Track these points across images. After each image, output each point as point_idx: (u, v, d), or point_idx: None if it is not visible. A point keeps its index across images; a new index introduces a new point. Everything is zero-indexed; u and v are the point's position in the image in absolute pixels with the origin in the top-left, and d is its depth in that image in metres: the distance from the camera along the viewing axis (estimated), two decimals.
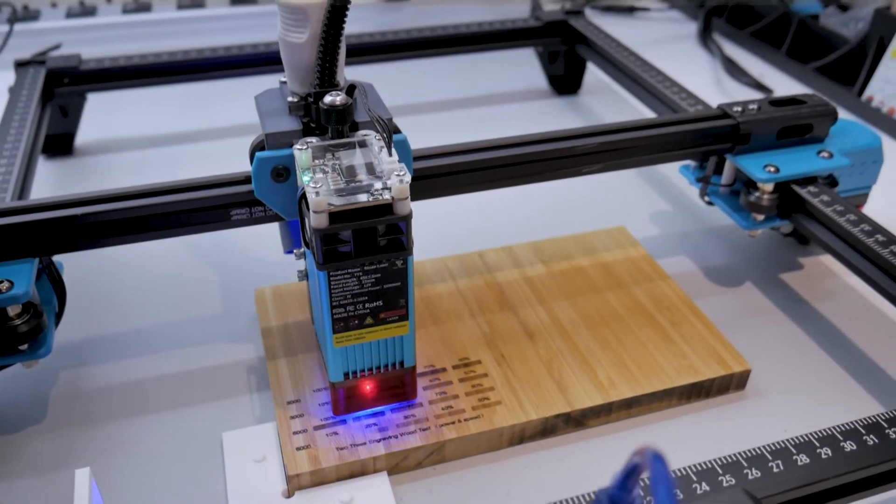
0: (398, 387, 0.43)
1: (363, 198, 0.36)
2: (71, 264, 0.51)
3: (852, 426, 0.36)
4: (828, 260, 0.59)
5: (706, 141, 0.53)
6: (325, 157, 0.38)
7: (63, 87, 0.69)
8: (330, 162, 0.38)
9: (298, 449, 0.41)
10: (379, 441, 0.42)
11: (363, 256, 0.37)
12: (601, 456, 0.44)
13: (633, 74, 0.69)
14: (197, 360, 0.50)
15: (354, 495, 0.41)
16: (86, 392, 0.48)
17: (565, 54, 0.83)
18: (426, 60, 0.82)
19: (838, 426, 0.36)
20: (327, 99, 0.38)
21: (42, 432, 0.45)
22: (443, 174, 0.49)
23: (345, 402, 0.42)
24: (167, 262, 0.59)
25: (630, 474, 0.23)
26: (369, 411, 0.43)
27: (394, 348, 0.41)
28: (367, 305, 0.39)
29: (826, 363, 0.50)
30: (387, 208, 0.36)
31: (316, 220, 0.36)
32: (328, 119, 0.38)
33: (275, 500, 0.40)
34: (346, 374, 0.41)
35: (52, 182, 0.70)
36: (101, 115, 0.79)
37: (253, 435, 0.44)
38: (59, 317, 0.46)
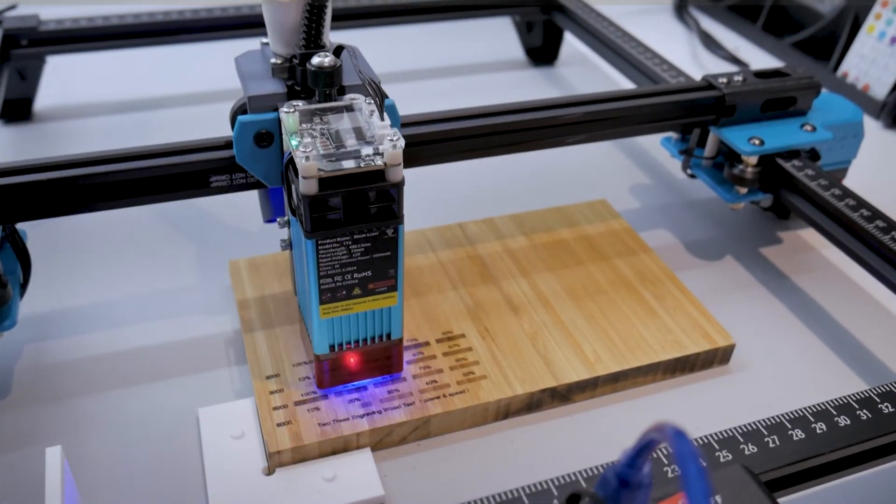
0: (384, 360, 0.42)
1: (354, 163, 0.34)
2: (36, 233, 0.48)
3: (845, 401, 0.36)
4: (806, 234, 0.59)
5: (691, 112, 0.53)
6: (312, 122, 0.37)
7: (20, 50, 0.66)
8: (318, 126, 0.36)
9: (279, 425, 0.40)
10: (362, 416, 0.41)
11: (353, 224, 0.36)
12: (587, 431, 0.43)
13: (612, 45, 0.68)
14: (170, 333, 0.48)
15: (338, 472, 0.39)
16: (53, 366, 0.46)
17: (543, 24, 0.81)
18: (399, 28, 0.80)
19: (831, 401, 0.36)
20: (315, 60, 0.37)
21: (7, 408, 0.43)
22: (425, 142, 0.48)
23: (329, 374, 0.41)
24: (137, 231, 0.57)
25: (642, 451, 0.22)
26: (354, 385, 0.42)
27: (381, 320, 0.40)
28: (355, 276, 0.37)
29: (807, 337, 0.50)
30: (378, 175, 0.35)
31: (305, 187, 0.34)
32: (316, 81, 0.37)
33: (255, 477, 0.39)
34: (332, 347, 0.40)
35: (9, 148, 0.67)
36: (64, 79, 0.76)
37: (230, 411, 0.42)
38: (24, 287, 0.44)
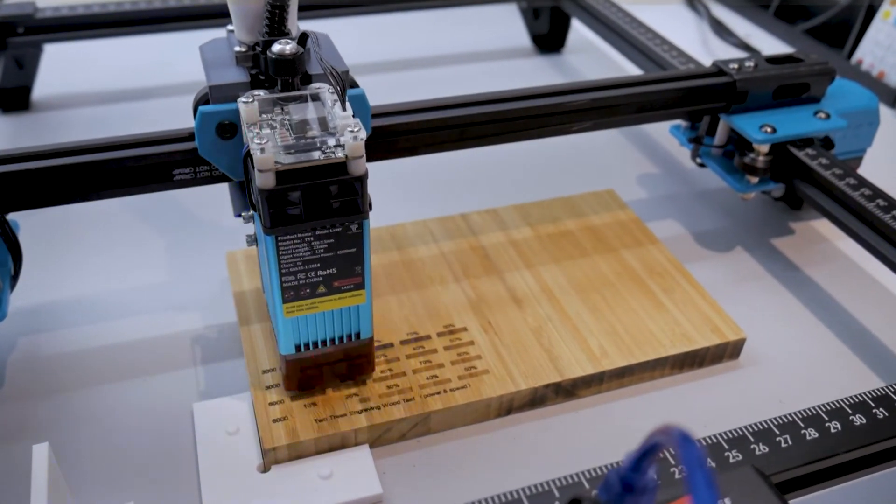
0: (355, 360, 0.40)
1: (314, 155, 0.33)
2: (31, 223, 0.47)
3: (860, 399, 0.35)
4: (819, 225, 0.58)
5: (701, 99, 0.51)
6: (273, 112, 0.35)
7: (17, 38, 0.65)
8: (279, 117, 0.35)
9: (275, 421, 0.39)
10: (360, 412, 0.40)
11: (314, 220, 0.34)
12: (592, 427, 0.42)
13: (621, 31, 0.67)
14: (165, 326, 0.47)
15: (335, 469, 0.38)
16: (44, 360, 0.45)
17: (549, 10, 0.80)
18: (404, 15, 0.79)
19: (846, 399, 0.35)
20: (276, 47, 0.35)
21: None
22: (427, 130, 0.46)
23: (296, 376, 0.39)
24: (133, 221, 0.56)
25: (646, 454, 0.21)
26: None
27: (349, 319, 0.38)
28: (319, 273, 0.36)
29: (820, 331, 0.48)
30: (340, 167, 0.33)
31: (261, 180, 0.32)
32: (277, 70, 0.35)
33: (250, 474, 0.38)
34: (298, 347, 0.38)
35: (6, 138, 0.66)
36: (62, 67, 0.75)
37: (225, 406, 0.41)
38: (14, 279, 0.43)
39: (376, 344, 0.44)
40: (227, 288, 0.49)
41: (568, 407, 0.43)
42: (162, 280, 0.51)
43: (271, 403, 0.40)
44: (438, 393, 0.41)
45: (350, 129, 0.33)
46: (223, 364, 0.45)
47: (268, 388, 0.41)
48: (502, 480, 0.39)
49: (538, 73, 0.79)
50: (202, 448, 0.39)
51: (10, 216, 0.43)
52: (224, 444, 0.39)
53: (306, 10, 0.70)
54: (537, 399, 0.42)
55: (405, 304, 0.46)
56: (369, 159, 0.46)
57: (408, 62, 0.80)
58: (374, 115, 0.45)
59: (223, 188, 0.44)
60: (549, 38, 0.82)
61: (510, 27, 0.86)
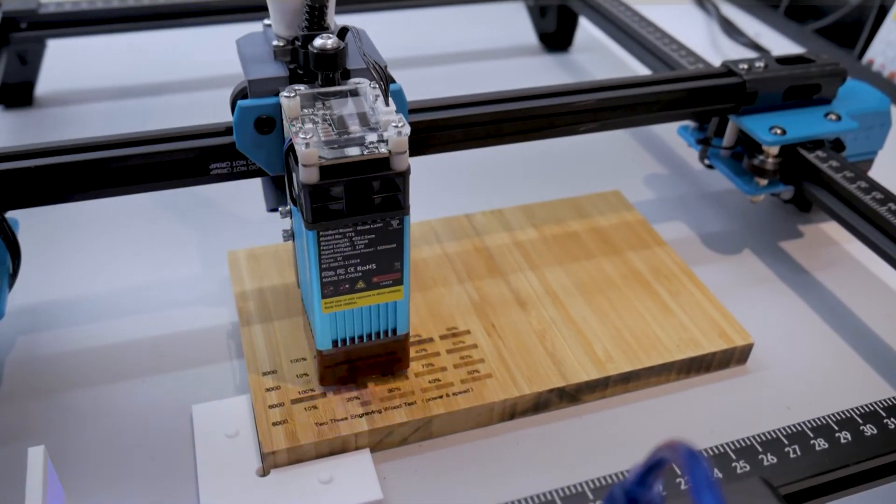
0: (390, 356, 0.40)
1: (357, 151, 0.33)
2: (31, 221, 0.47)
3: (871, 408, 0.34)
4: (829, 228, 0.57)
5: (710, 99, 0.50)
6: (314, 107, 0.35)
7: (20, 33, 0.64)
8: (320, 112, 0.34)
9: (274, 424, 0.39)
10: (361, 416, 0.39)
11: (356, 215, 0.34)
12: (597, 433, 0.41)
13: (629, 30, 0.66)
14: (166, 326, 0.47)
15: (335, 474, 0.38)
16: (43, 360, 0.44)
17: (557, 8, 0.79)
18: (410, 12, 0.78)
19: (857, 408, 0.34)
20: (317, 42, 0.35)
21: None
22: (433, 129, 0.46)
23: (332, 371, 0.39)
24: (134, 219, 0.55)
25: (652, 469, 0.20)
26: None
27: (386, 315, 0.38)
28: (359, 268, 0.36)
29: (829, 337, 0.48)
30: (383, 163, 0.33)
31: (305, 175, 0.32)
32: (318, 64, 0.35)
33: (248, 478, 0.38)
34: (335, 342, 0.38)
35: (9, 134, 0.65)
36: (66, 63, 0.74)
37: (225, 408, 0.41)
38: (13, 278, 0.42)
39: None
40: (228, 288, 0.49)
41: (572, 412, 0.42)
42: (162, 280, 0.50)
43: (271, 406, 0.39)
44: (441, 397, 0.40)
45: (394, 124, 0.33)
46: (223, 365, 0.44)
47: (268, 390, 0.40)
48: (505, 486, 0.38)
49: (545, 72, 0.78)
50: (201, 451, 0.39)
51: (11, 214, 0.42)
52: (223, 446, 0.39)
53: None
54: (541, 404, 0.42)
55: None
56: None
57: (413, 60, 0.80)
58: None
59: (224, 187, 0.44)
60: (556, 37, 0.82)
61: (517, 25, 0.86)
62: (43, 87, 0.70)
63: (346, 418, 0.39)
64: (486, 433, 0.41)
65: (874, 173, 0.55)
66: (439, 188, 0.60)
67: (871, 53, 0.77)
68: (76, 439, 0.40)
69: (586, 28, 0.83)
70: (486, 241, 0.51)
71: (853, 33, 0.81)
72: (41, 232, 0.53)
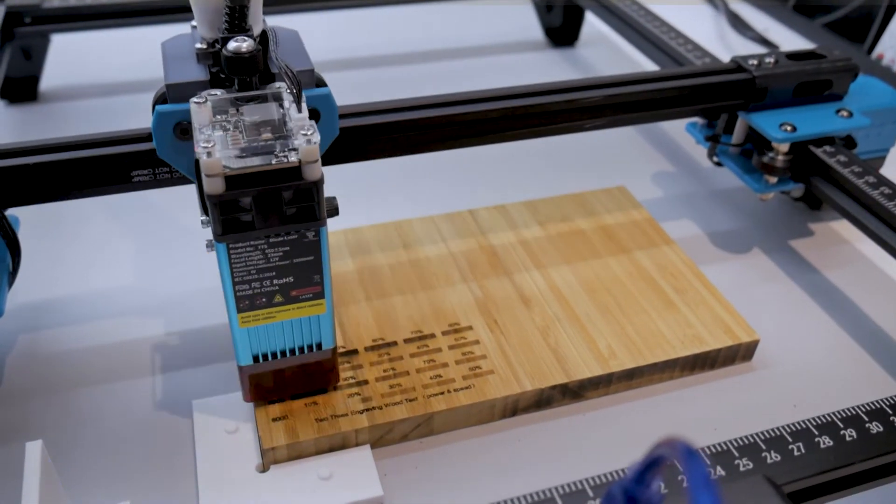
0: (317, 371, 0.39)
1: (266, 160, 0.31)
2: (33, 218, 0.47)
3: (877, 406, 0.33)
4: (839, 226, 0.56)
5: (719, 96, 0.50)
6: (229, 113, 0.33)
7: (24, 28, 0.64)
8: (233, 118, 0.33)
9: (274, 420, 0.38)
10: (362, 412, 0.39)
11: (268, 227, 0.33)
12: (599, 430, 0.41)
13: (636, 25, 0.65)
14: (164, 323, 0.46)
15: (335, 471, 0.37)
16: (43, 357, 0.44)
17: (563, 3, 0.78)
18: (414, 7, 0.77)
19: (863, 406, 0.34)
20: (231, 45, 0.33)
21: None
22: (436, 126, 0.45)
23: (255, 387, 0.38)
24: (134, 215, 0.55)
25: (650, 467, 0.20)
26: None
27: (309, 329, 0.37)
28: (275, 282, 0.34)
29: (837, 335, 0.47)
30: (294, 172, 0.32)
31: (210, 185, 0.31)
32: (233, 68, 0.33)
33: (248, 475, 0.37)
34: (256, 357, 0.37)
35: (14, 130, 0.65)
36: (71, 58, 0.74)
37: (225, 404, 0.41)
38: (13, 276, 0.42)
39: (379, 342, 0.43)
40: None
41: (575, 409, 0.42)
42: (162, 276, 0.50)
43: (271, 402, 0.39)
44: (442, 393, 0.40)
45: (303, 131, 0.31)
46: (224, 363, 0.44)
47: None
48: (506, 483, 0.38)
49: (551, 68, 0.78)
50: (200, 447, 0.39)
51: (11, 211, 0.42)
52: (223, 442, 0.39)
53: (314, 3, 0.70)
54: (543, 401, 0.41)
55: (410, 302, 0.46)
56: (378, 156, 0.45)
57: (419, 55, 0.79)
58: (379, 112, 0.44)
59: None
60: (562, 32, 0.81)
61: (522, 20, 0.85)
62: (47, 82, 0.70)
63: (346, 414, 0.39)
64: (487, 430, 0.41)
65: (886, 171, 0.54)
66: (443, 184, 0.59)
67: (880, 48, 0.77)
68: (76, 436, 0.40)
69: (593, 23, 0.83)
70: (489, 238, 0.51)
71: (862, 28, 0.80)
72: (42, 229, 0.53)
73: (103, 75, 0.73)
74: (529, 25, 0.84)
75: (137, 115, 0.66)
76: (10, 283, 0.42)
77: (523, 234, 0.51)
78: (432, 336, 0.43)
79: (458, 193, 0.58)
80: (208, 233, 0.33)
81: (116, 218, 0.55)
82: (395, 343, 0.43)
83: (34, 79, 0.68)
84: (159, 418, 0.41)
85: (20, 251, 0.42)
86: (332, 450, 0.38)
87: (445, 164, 0.59)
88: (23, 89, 0.69)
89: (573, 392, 0.42)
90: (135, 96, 0.71)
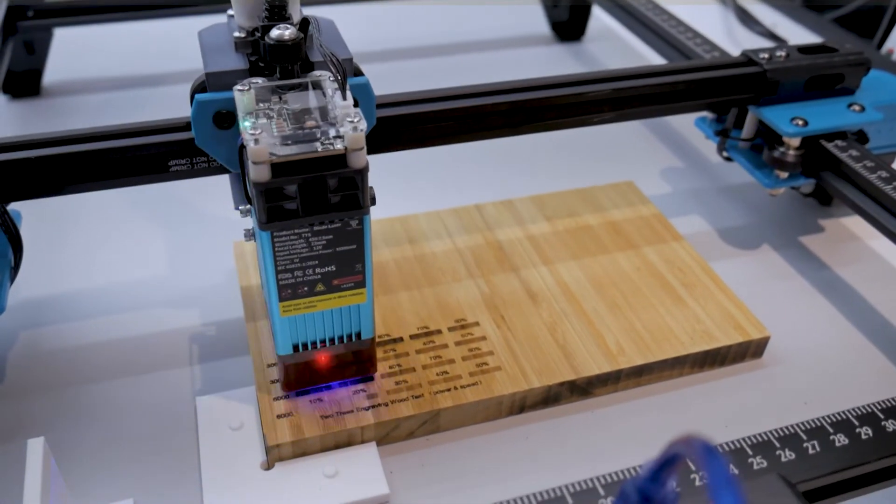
0: (356, 361, 0.38)
1: (312, 147, 0.31)
2: (31, 213, 0.46)
3: (893, 403, 0.33)
4: (850, 222, 0.55)
5: (728, 90, 0.49)
6: (271, 101, 0.33)
7: (27, 22, 0.64)
8: (276, 106, 0.33)
9: (279, 416, 0.38)
10: (367, 409, 0.38)
11: (312, 215, 0.32)
12: (608, 428, 0.40)
13: (644, 19, 0.65)
14: (169, 319, 0.46)
15: (340, 468, 0.37)
16: (46, 353, 0.44)
17: None
18: (420, 2, 0.77)
19: (878, 403, 0.33)
20: (274, 33, 0.33)
21: (0, 397, 0.41)
22: (442, 119, 0.45)
23: (295, 377, 0.38)
24: (138, 212, 0.55)
25: (665, 465, 0.20)
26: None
27: (349, 318, 0.37)
28: (317, 270, 0.34)
29: (849, 332, 0.46)
30: (339, 160, 0.32)
31: (256, 173, 0.31)
32: (275, 56, 0.33)
33: (253, 472, 0.37)
34: (296, 347, 0.37)
35: (16, 124, 0.65)
36: (74, 52, 0.74)
37: (229, 400, 0.40)
38: (14, 271, 0.41)
39: (385, 338, 0.42)
40: (234, 279, 0.48)
41: (583, 406, 0.41)
42: (167, 272, 0.50)
43: (276, 398, 0.39)
44: (448, 390, 0.40)
45: (350, 118, 0.31)
46: (228, 358, 0.43)
47: (273, 382, 0.39)
48: (514, 481, 0.37)
49: (557, 63, 0.77)
50: (204, 443, 0.38)
51: (14, 206, 0.42)
52: (227, 439, 0.38)
53: None
54: (551, 397, 0.41)
55: (416, 297, 0.45)
56: (382, 150, 0.45)
57: (424, 50, 0.79)
58: (387, 105, 0.43)
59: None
60: (568, 26, 0.80)
61: (528, 15, 0.85)
62: (50, 76, 0.70)
63: (352, 411, 0.38)
64: (494, 427, 0.40)
65: None
66: (449, 178, 0.59)
67: (890, 43, 0.76)
68: (79, 433, 0.39)
69: (599, 17, 0.82)
70: (496, 233, 0.50)
71: (873, 22, 0.79)
72: (44, 225, 0.53)
73: (107, 69, 0.73)
74: (536, 20, 0.83)
75: (142, 109, 0.67)
76: (13, 279, 0.41)
77: (530, 229, 0.51)
78: (438, 332, 0.43)
79: (464, 188, 0.58)
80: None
81: (119, 213, 0.55)
82: (400, 339, 0.42)
83: (37, 73, 0.68)
84: (163, 415, 0.40)
85: (22, 246, 0.41)
86: (337, 447, 0.38)
87: (451, 159, 0.59)
88: (26, 84, 0.68)
89: (581, 389, 0.41)
90: (139, 90, 0.70)
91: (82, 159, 0.39)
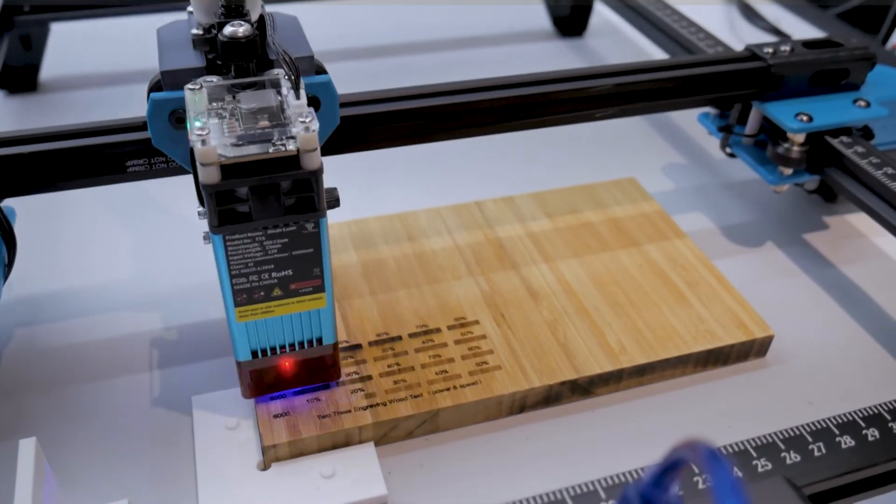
0: (318, 367, 0.37)
1: (263, 148, 0.30)
2: (24, 209, 0.46)
3: None
4: (855, 219, 0.55)
5: (732, 85, 0.48)
6: (224, 100, 0.32)
7: (23, 16, 0.63)
8: (230, 105, 0.32)
9: (276, 416, 0.37)
10: (365, 408, 0.38)
11: (265, 219, 0.31)
12: (610, 428, 0.40)
13: (646, 13, 0.64)
14: (164, 318, 0.45)
15: (337, 468, 0.36)
16: (38, 352, 0.43)
17: None
18: None
19: (885, 404, 0.32)
20: (227, 30, 0.32)
21: None
22: (442, 115, 0.44)
23: (255, 383, 0.37)
24: (134, 207, 0.54)
25: (669, 470, 0.19)
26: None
27: (309, 323, 0.36)
28: (273, 275, 0.33)
29: (854, 331, 0.46)
30: (293, 161, 0.30)
31: (204, 175, 0.30)
32: (228, 54, 0.32)
33: (248, 472, 0.36)
34: (255, 353, 0.36)
35: (13, 119, 0.65)
36: (70, 47, 0.73)
37: (225, 399, 0.40)
38: (8, 268, 0.41)
39: (384, 336, 0.42)
40: None
41: (584, 406, 0.41)
42: (163, 269, 0.49)
43: (272, 399, 0.38)
44: (448, 389, 0.39)
45: (302, 118, 0.30)
46: (224, 357, 0.43)
47: None
48: (514, 482, 0.37)
49: (559, 58, 0.77)
50: (200, 443, 0.38)
51: (7, 202, 0.41)
52: (223, 439, 0.38)
53: None
54: (552, 397, 0.40)
55: (415, 295, 0.44)
56: (385, 145, 0.44)
57: (426, 45, 0.78)
58: (382, 101, 0.43)
59: None
60: (570, 21, 0.80)
61: (530, 9, 0.84)
62: (47, 71, 0.69)
63: (349, 411, 0.38)
64: (494, 427, 0.39)
65: None
66: (449, 175, 0.58)
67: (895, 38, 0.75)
68: (73, 433, 0.39)
69: (601, 12, 0.81)
70: (496, 230, 0.50)
71: (877, 18, 0.78)
72: (38, 222, 0.52)
73: (104, 64, 0.72)
74: (537, 15, 0.83)
75: (139, 105, 0.66)
76: (6, 277, 0.41)
77: (531, 226, 0.50)
78: (438, 330, 0.42)
79: (464, 185, 0.57)
80: (205, 224, 0.32)
81: (114, 210, 0.54)
82: (399, 338, 0.42)
83: (34, 68, 0.68)
84: (158, 414, 0.40)
85: (16, 244, 0.41)
86: (334, 447, 0.37)
87: (451, 155, 0.58)
88: (22, 79, 0.68)
89: (582, 388, 0.41)
90: (136, 86, 0.69)
91: (44, 159, 0.38)
